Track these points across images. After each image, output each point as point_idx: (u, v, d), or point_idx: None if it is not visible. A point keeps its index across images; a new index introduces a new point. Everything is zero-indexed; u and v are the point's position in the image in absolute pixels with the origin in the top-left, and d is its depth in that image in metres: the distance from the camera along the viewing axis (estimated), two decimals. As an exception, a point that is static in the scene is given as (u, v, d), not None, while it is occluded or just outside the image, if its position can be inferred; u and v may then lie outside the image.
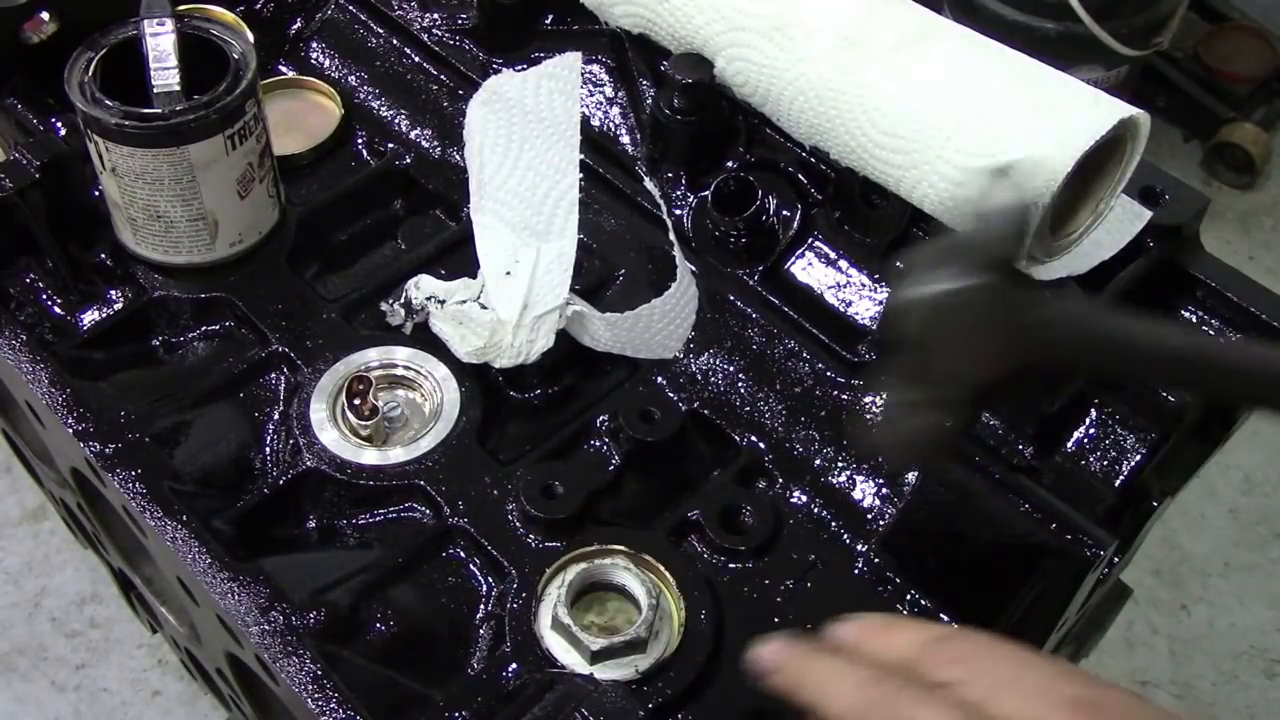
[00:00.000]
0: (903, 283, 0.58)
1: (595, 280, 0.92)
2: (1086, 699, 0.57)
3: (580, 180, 0.90)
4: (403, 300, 0.88)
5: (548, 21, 1.03)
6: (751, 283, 0.89)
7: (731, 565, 0.80)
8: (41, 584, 1.79)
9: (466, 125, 0.90)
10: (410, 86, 1.05)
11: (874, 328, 0.87)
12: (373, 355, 0.86)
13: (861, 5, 0.81)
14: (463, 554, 0.79)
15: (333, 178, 1.00)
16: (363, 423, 0.81)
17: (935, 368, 0.59)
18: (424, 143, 1.03)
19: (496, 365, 0.84)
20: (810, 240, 0.90)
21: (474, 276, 0.88)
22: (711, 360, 0.88)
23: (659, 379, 0.88)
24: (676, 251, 0.89)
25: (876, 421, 0.64)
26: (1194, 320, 0.87)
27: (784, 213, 0.91)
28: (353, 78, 1.07)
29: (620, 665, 0.72)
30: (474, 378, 0.85)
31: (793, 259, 0.90)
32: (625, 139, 0.98)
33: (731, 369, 0.88)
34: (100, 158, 0.85)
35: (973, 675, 0.60)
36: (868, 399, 0.85)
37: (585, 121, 0.94)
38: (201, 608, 0.76)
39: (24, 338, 0.82)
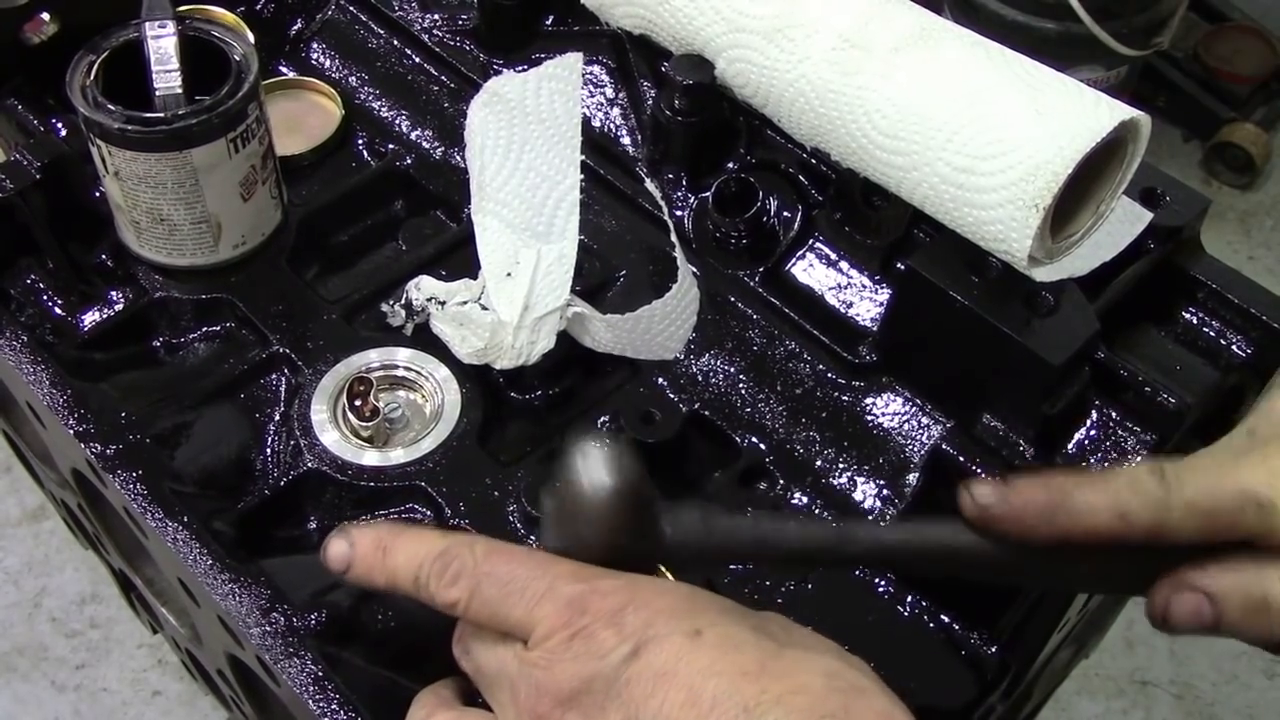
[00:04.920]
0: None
1: (596, 281, 0.92)
2: (581, 595, 0.57)
3: (581, 181, 0.90)
4: (403, 301, 0.88)
5: (548, 22, 1.03)
6: (752, 284, 0.90)
7: (732, 566, 0.80)
8: (41, 584, 1.80)
9: (467, 127, 0.90)
10: (411, 87, 1.05)
11: (875, 329, 0.87)
12: (374, 356, 0.86)
13: (862, 7, 0.81)
14: (464, 555, 0.79)
15: (333, 179, 1.00)
16: (364, 424, 0.81)
17: None
18: (425, 144, 1.03)
19: (497, 366, 0.84)
20: (811, 242, 0.90)
21: (475, 278, 0.88)
22: (712, 361, 0.88)
23: (660, 380, 0.88)
24: (677, 253, 0.89)
25: None
26: (1194, 321, 0.87)
27: (785, 214, 0.91)
28: (353, 78, 1.07)
29: None
30: (475, 379, 0.85)
31: (793, 260, 0.90)
32: (626, 140, 0.98)
33: (732, 370, 0.88)
34: (103, 162, 0.85)
35: (474, 590, 0.59)
36: (868, 400, 0.85)
37: (586, 123, 0.94)
38: (202, 609, 0.76)
39: (25, 339, 0.82)
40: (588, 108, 0.98)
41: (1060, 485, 0.60)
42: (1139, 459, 0.79)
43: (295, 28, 1.09)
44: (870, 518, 0.82)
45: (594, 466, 0.58)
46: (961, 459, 0.78)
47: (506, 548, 0.61)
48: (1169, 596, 0.60)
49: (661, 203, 0.92)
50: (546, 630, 0.57)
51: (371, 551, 0.64)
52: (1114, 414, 0.80)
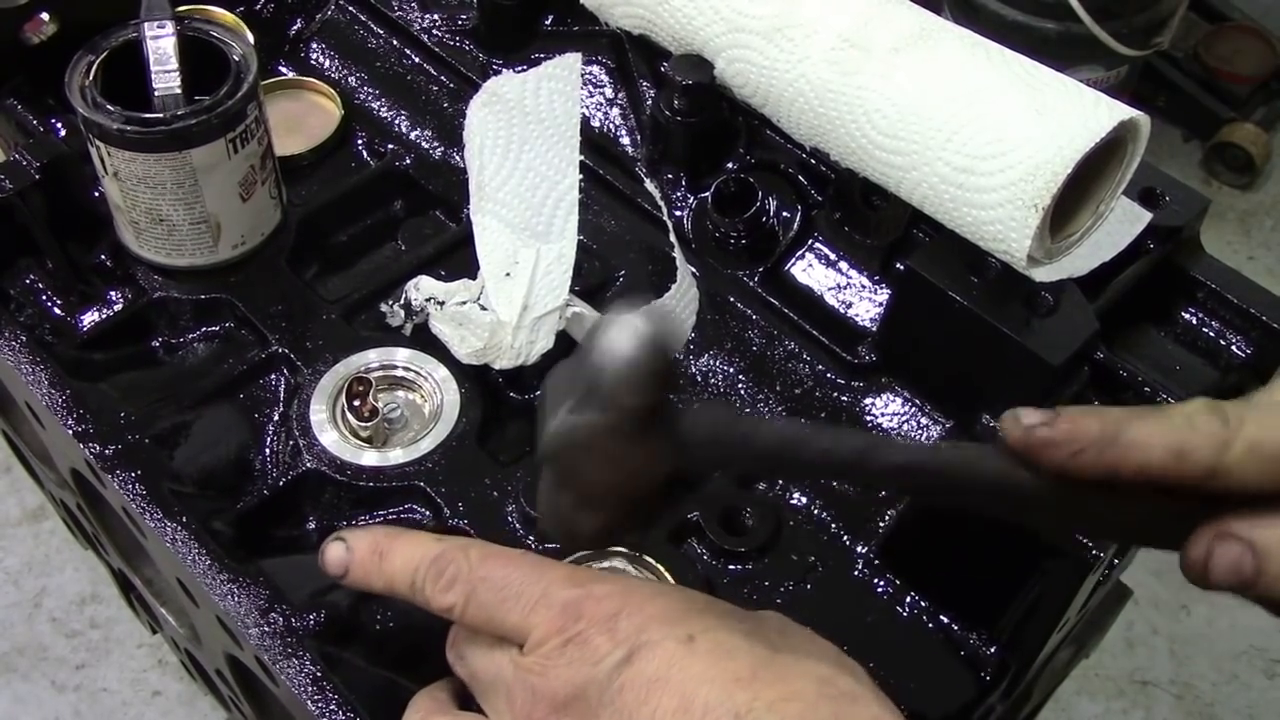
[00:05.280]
0: (543, 407, 0.60)
1: (595, 281, 0.92)
2: (576, 600, 0.57)
3: (580, 181, 0.90)
4: (402, 301, 0.88)
5: (548, 22, 1.03)
6: (752, 284, 0.89)
7: (731, 567, 0.80)
8: (41, 584, 1.80)
9: (467, 127, 0.90)
10: (410, 87, 1.05)
11: (874, 329, 0.87)
12: (373, 356, 0.86)
13: (861, 6, 0.81)
14: (463, 555, 0.79)
15: (333, 179, 1.00)
16: (363, 424, 0.81)
17: (580, 481, 0.61)
18: (424, 144, 1.03)
19: (496, 366, 0.84)
20: (810, 242, 0.90)
21: (474, 278, 0.88)
22: (712, 361, 0.88)
23: (659, 380, 0.88)
24: (677, 253, 0.89)
25: (542, 509, 0.66)
26: (1194, 322, 0.87)
27: (784, 214, 0.91)
28: (353, 78, 1.07)
29: None
30: (474, 379, 0.85)
31: (793, 260, 0.90)
32: (625, 140, 0.98)
33: (732, 370, 0.88)
34: (102, 162, 0.85)
35: (470, 595, 0.59)
36: (867, 400, 0.85)
37: (585, 123, 0.94)
38: (201, 609, 0.76)
39: (24, 339, 0.82)
40: (587, 108, 0.98)
41: (1114, 416, 0.55)
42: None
43: (295, 28, 1.09)
44: (868, 518, 0.82)
45: (616, 333, 0.54)
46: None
47: (502, 552, 0.61)
48: (1211, 546, 0.54)
49: (661, 203, 0.92)
50: (541, 636, 0.57)
51: (369, 556, 0.64)
52: (1113, 414, 0.80)
